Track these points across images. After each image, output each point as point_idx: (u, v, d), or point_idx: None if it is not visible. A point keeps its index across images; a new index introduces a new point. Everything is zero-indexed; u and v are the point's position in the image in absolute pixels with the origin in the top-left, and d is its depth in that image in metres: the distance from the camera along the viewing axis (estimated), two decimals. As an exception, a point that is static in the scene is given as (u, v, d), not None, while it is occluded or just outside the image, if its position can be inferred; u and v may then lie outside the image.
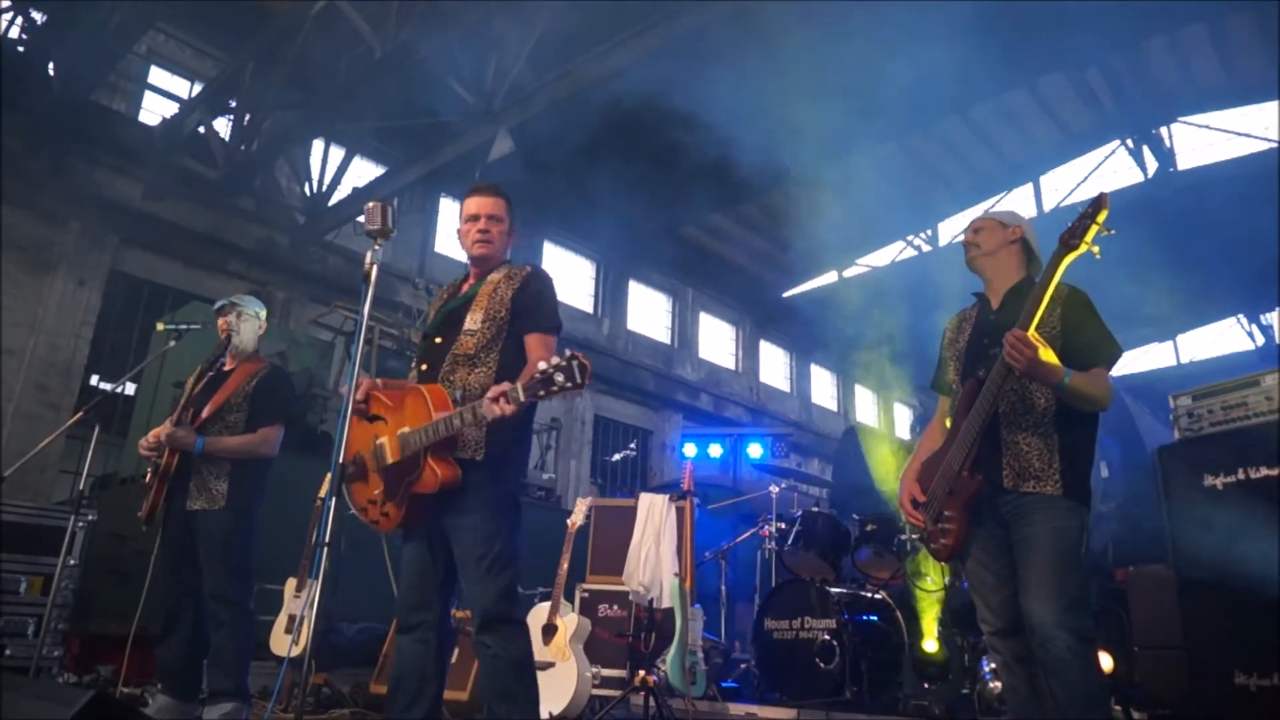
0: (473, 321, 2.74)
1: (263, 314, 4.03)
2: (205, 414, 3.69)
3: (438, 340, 2.79)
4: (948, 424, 2.77)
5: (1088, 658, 2.37)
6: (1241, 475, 3.60)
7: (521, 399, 2.33)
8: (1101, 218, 2.40)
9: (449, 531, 2.62)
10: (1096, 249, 2.42)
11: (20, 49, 8.83)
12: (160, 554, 3.69)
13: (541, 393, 2.30)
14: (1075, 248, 2.43)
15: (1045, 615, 2.36)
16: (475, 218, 2.85)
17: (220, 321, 3.90)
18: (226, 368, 3.89)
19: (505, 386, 2.36)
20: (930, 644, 4.61)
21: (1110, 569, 4.91)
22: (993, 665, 3.97)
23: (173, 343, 4.20)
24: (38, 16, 8.75)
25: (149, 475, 3.71)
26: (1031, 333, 2.38)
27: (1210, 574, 3.58)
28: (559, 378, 2.28)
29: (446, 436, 2.49)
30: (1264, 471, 3.54)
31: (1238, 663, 3.39)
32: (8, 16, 8.84)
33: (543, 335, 2.73)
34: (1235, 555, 3.45)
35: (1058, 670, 2.34)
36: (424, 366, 2.77)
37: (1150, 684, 3.97)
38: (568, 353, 2.31)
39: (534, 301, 2.76)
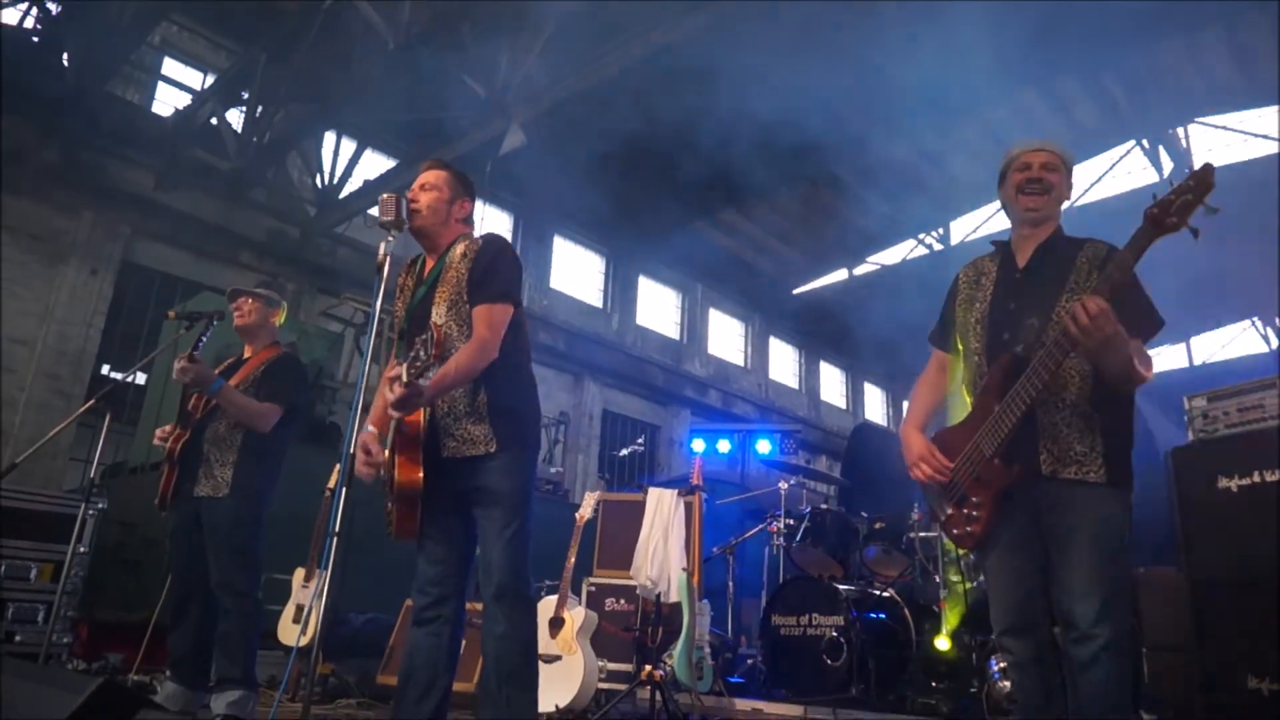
0: (437, 314, 2.67)
1: (282, 308, 4.01)
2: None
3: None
4: (966, 396, 2.54)
5: (1121, 660, 2.21)
6: (1257, 478, 3.56)
7: (405, 378, 2.31)
8: (1206, 196, 2.07)
9: (477, 519, 2.63)
10: (1197, 231, 2.08)
11: (35, 39, 8.86)
12: (172, 541, 3.71)
13: (413, 371, 2.28)
14: (1173, 227, 2.08)
15: (1085, 611, 2.19)
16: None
17: (233, 307, 3.89)
18: (245, 355, 3.90)
19: (397, 370, 2.37)
20: (943, 642, 4.58)
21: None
22: (1002, 665, 3.95)
23: (183, 332, 4.20)
24: (53, 7, 8.79)
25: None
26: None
27: (1222, 577, 3.55)
28: (421, 353, 2.27)
29: (397, 433, 2.50)
30: (1279, 474, 3.51)
31: (1250, 666, 3.36)
32: (22, 7, 8.87)
33: (487, 306, 2.62)
34: (1249, 558, 3.43)
35: (1089, 667, 2.18)
36: None
37: (1160, 687, 3.95)
38: (428, 330, 2.31)
39: (484, 273, 2.67)
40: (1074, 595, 2.24)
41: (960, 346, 2.62)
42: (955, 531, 2.47)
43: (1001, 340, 2.44)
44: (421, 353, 2.27)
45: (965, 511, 2.42)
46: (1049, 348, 2.24)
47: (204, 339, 3.74)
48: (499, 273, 2.68)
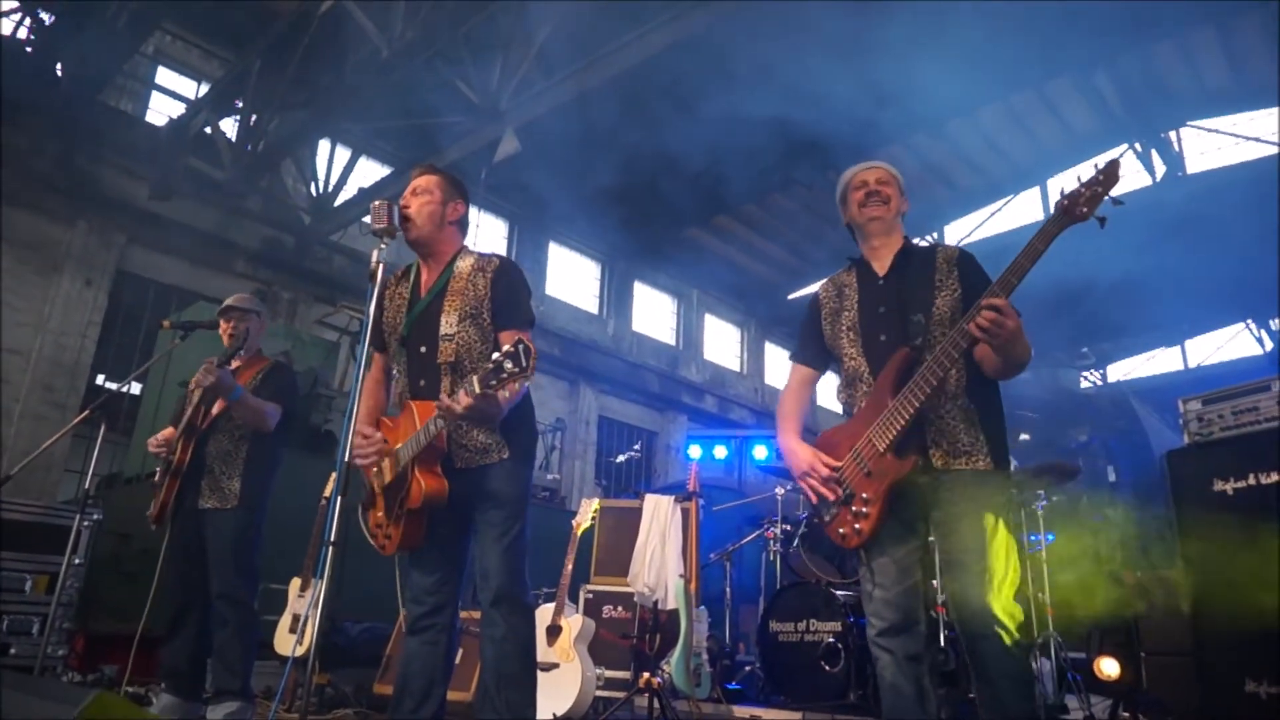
0: (448, 324, 2.67)
1: (262, 314, 4.03)
2: (215, 411, 3.69)
3: (422, 350, 2.70)
4: (849, 398, 2.62)
5: (1024, 645, 2.28)
6: (1252, 480, 3.57)
7: (476, 390, 2.30)
8: (1112, 188, 2.18)
9: (476, 525, 2.63)
10: (1104, 219, 2.19)
11: (28, 49, 8.85)
12: (168, 553, 3.69)
13: (494, 382, 2.27)
14: (1082, 217, 2.19)
15: (982, 604, 2.25)
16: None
17: (222, 325, 3.89)
18: (233, 367, 3.88)
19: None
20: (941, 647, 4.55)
21: (1118, 573, 4.88)
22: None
23: (178, 341, 4.19)
24: (46, 17, 8.78)
25: (159, 473, 3.71)
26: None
27: (1220, 580, 3.55)
28: (507, 365, 2.25)
29: (428, 445, 2.49)
30: (1275, 476, 3.50)
31: (1248, 670, 3.36)
32: (16, 17, 8.87)
33: (517, 332, 2.66)
34: (1246, 560, 3.43)
35: (997, 661, 2.24)
36: (422, 383, 2.68)
37: (1159, 691, 3.95)
38: (515, 339, 2.29)
39: (509, 296, 2.72)
40: (969, 588, 2.29)
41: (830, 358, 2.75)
42: (842, 530, 2.44)
43: (879, 341, 2.53)
44: (509, 364, 2.24)
45: (854, 509, 2.41)
46: (953, 338, 2.29)
47: (240, 351, 3.83)
48: (522, 299, 2.75)
